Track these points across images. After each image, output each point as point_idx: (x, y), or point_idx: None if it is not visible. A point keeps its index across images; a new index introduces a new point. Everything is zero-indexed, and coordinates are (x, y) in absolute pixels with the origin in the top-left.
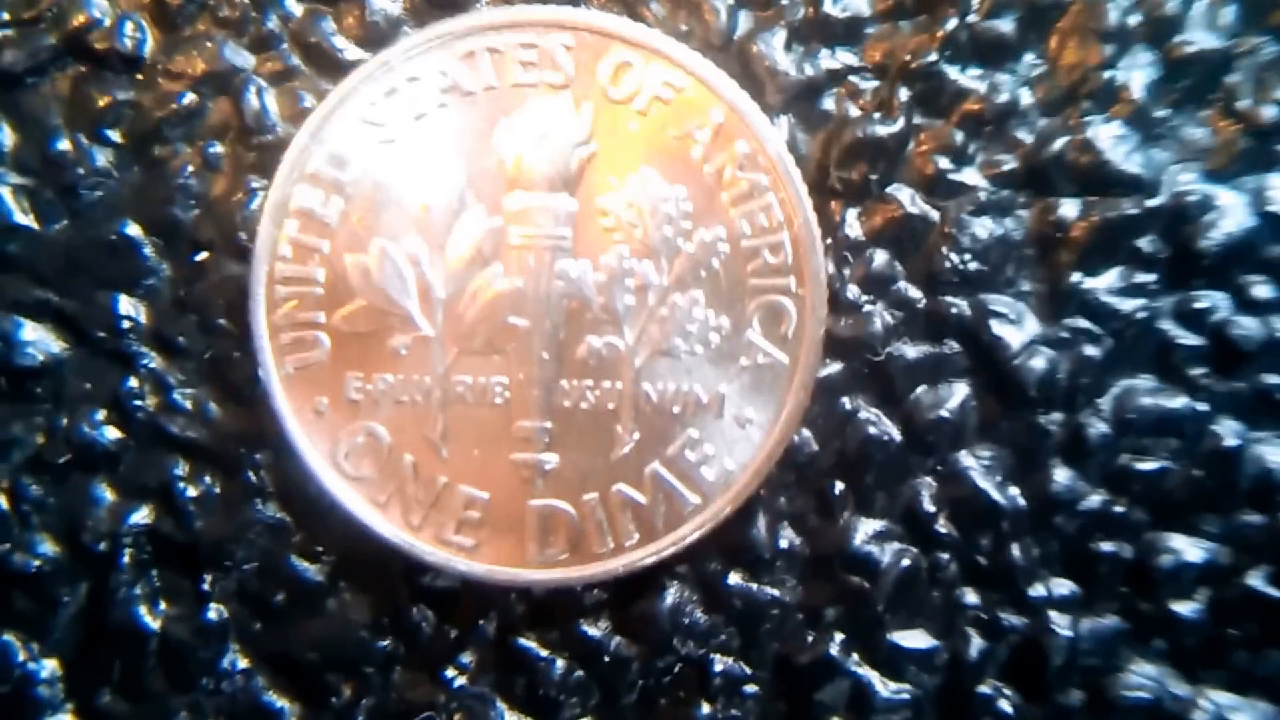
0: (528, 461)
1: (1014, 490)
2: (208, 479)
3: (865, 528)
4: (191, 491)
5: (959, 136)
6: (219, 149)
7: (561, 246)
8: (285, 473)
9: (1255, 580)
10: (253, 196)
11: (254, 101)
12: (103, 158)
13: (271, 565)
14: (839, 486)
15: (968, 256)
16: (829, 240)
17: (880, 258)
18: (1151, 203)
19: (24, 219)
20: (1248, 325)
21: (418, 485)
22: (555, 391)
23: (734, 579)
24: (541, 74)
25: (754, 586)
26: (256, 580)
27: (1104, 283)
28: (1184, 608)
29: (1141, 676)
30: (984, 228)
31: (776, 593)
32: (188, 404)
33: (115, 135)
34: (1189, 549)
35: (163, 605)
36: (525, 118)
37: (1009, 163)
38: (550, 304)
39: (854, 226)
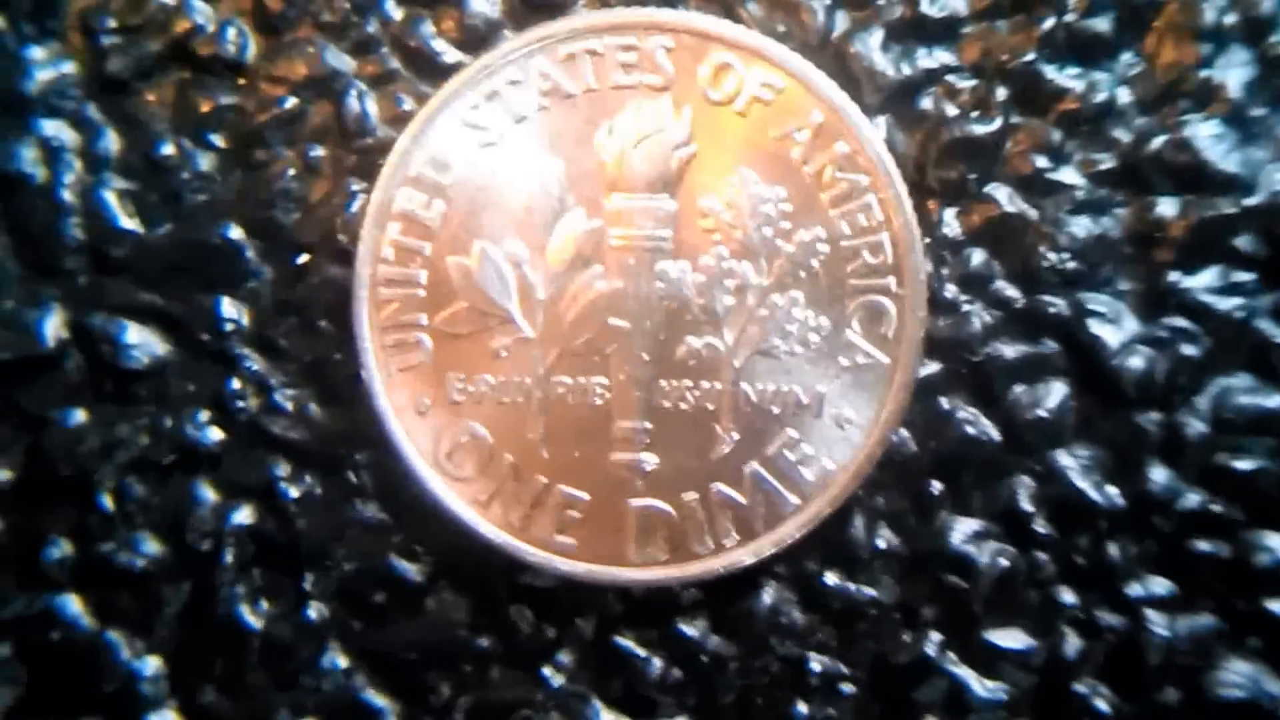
0: (628, 462)
1: (1111, 489)
2: (309, 479)
3: (963, 527)
4: (293, 492)
5: (1056, 135)
6: (320, 152)
7: (661, 248)
8: (386, 473)
9: None
10: (353, 199)
11: (354, 105)
12: (205, 162)
13: (371, 565)
14: (937, 486)
15: (1065, 255)
16: (927, 240)
17: (978, 257)
18: (1249, 201)
19: (129, 223)
20: None
21: (519, 485)
22: (655, 392)
23: (831, 579)
24: (641, 76)
25: (851, 586)
26: (357, 580)
27: (1201, 282)
28: None
29: (1237, 675)
30: (1081, 226)
31: (874, 592)
32: (289, 405)
33: (218, 139)
34: None
35: (264, 604)
36: (625, 120)
37: (1106, 161)
38: (650, 305)
39: (952, 226)
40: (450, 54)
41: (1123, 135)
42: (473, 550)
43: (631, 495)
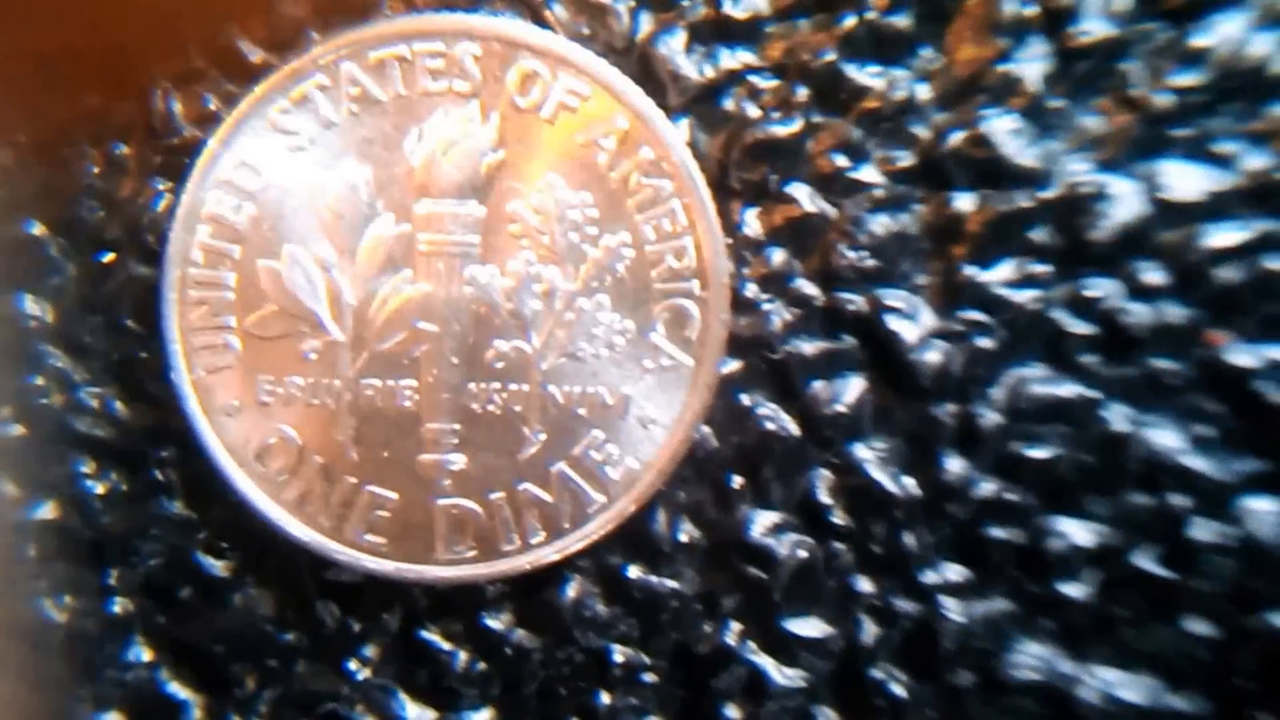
0: (436, 462)
1: (908, 480)
2: (113, 475)
3: (763, 519)
4: (97, 488)
5: (856, 133)
6: (124, 150)
7: (470, 253)
8: (193, 470)
9: (1142, 560)
10: (159, 198)
11: (160, 103)
12: (5, 155)
13: (177, 560)
14: (737, 480)
15: (864, 253)
16: (729, 240)
17: (779, 256)
18: (1045, 194)
19: None
20: (1138, 311)
21: (328, 486)
22: (463, 394)
23: (634, 571)
24: (450, 82)
25: (654, 578)
26: (161, 574)
27: (997, 275)
28: (1072, 589)
29: (1030, 656)
30: (880, 224)
31: (675, 584)
32: (93, 402)
33: (19, 134)
34: (1078, 532)
35: (66, 598)
36: (434, 126)
37: (905, 158)
38: (459, 309)
39: (754, 226)
40: (257, 53)
41: (922, 132)
42: (280, 547)
43: (439, 495)
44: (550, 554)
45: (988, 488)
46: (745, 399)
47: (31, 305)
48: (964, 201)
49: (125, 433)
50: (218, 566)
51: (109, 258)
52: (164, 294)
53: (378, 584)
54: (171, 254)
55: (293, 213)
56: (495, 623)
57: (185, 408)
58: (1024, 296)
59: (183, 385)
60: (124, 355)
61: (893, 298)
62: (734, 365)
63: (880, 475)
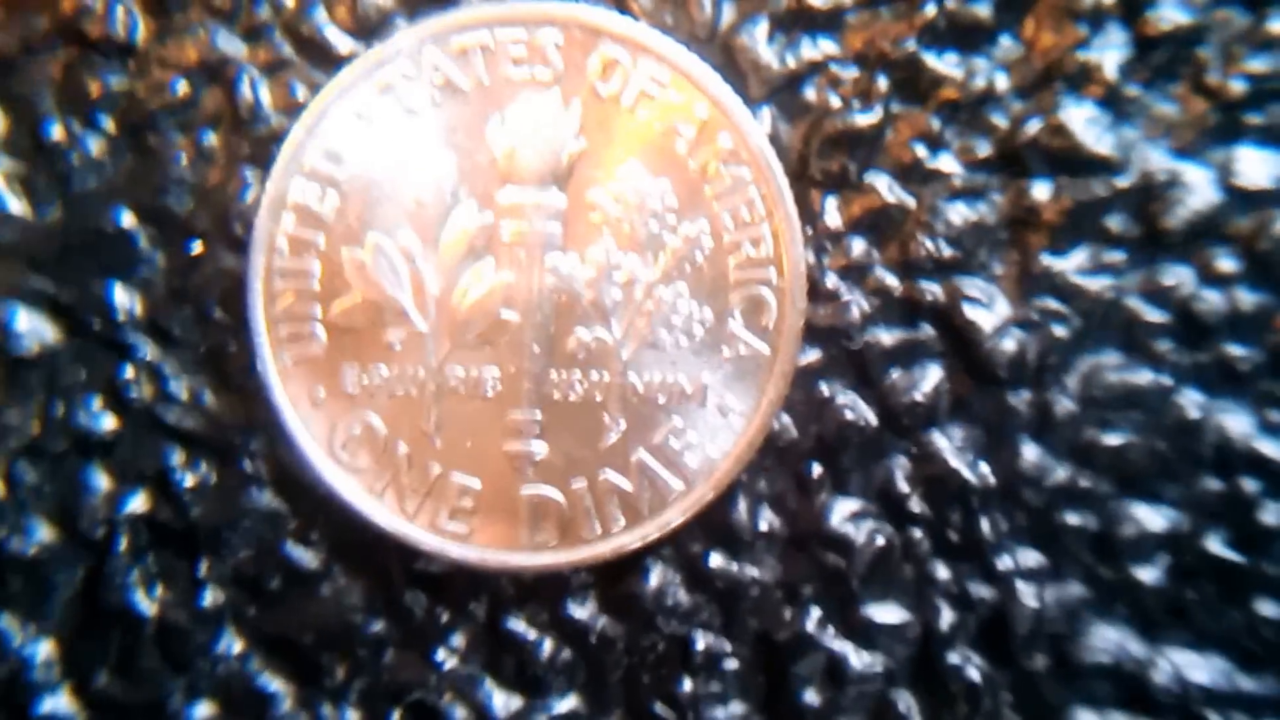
0: (519, 451)
1: (984, 467)
2: (203, 466)
3: (841, 508)
4: (187, 479)
5: (935, 123)
6: (212, 139)
7: (552, 241)
8: (281, 461)
9: (1213, 544)
10: (246, 188)
11: (247, 92)
12: (95, 145)
13: (266, 551)
14: (816, 469)
15: (942, 242)
16: (808, 230)
17: (858, 246)
18: (1121, 182)
19: (17, 206)
20: (1211, 298)
21: (412, 474)
22: (545, 383)
23: (715, 560)
24: (532, 69)
25: (734, 566)
26: (252, 565)
27: (1073, 263)
28: (1145, 573)
29: (1104, 640)
30: (958, 213)
31: (756, 572)
32: (183, 393)
33: (108, 122)
34: (1151, 517)
35: (159, 590)
36: (516, 114)
37: (983, 148)
38: (541, 298)
39: (833, 216)
40: (343, 42)
41: (1000, 121)
42: (367, 537)
43: (522, 483)
44: (632, 542)
45: (1062, 474)
46: (824, 388)
47: (121, 296)
48: (1041, 190)
49: (214, 424)
50: (307, 557)
51: (198, 248)
52: (250, 284)
53: (464, 573)
54: (257, 243)
55: (377, 201)
56: (580, 611)
57: (272, 398)
58: (1099, 284)
59: (269, 376)
60: (213, 346)
61: (970, 287)
62: (812, 354)
63: (957, 463)
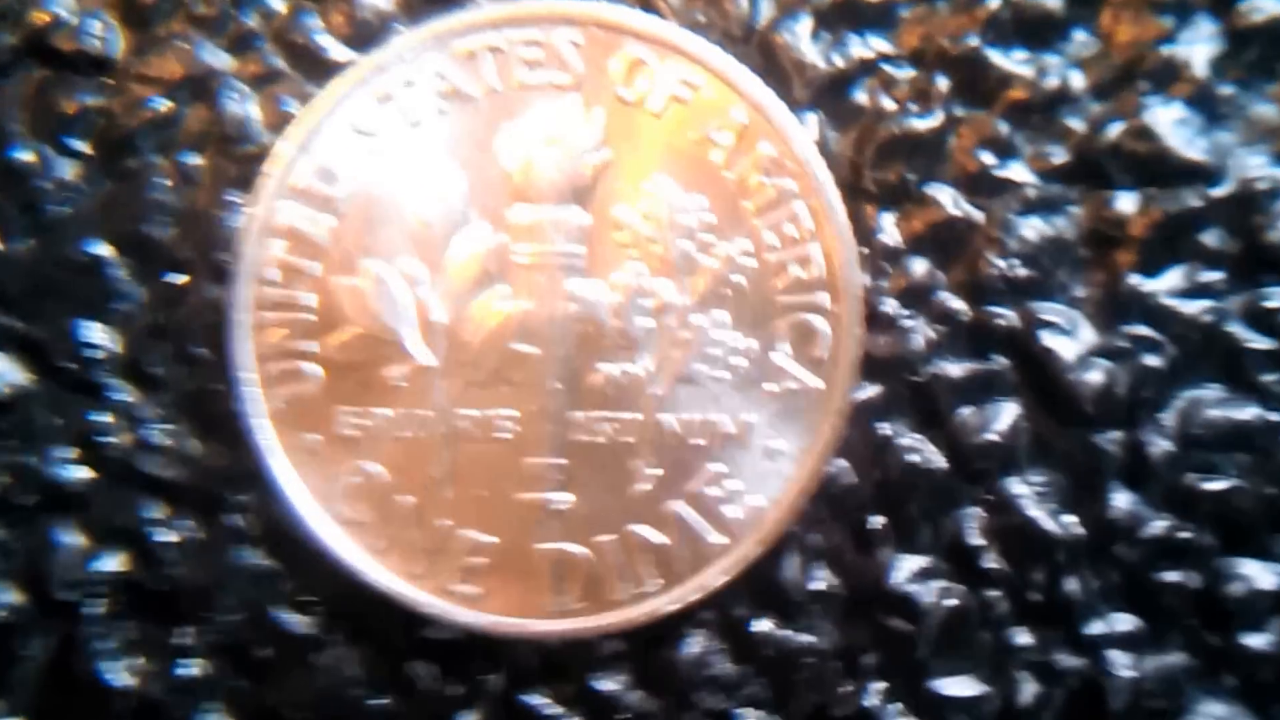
0: (538, 501)
1: (1069, 518)
2: (187, 522)
3: (906, 565)
4: (169, 536)
5: (1004, 128)
6: (197, 160)
7: (573, 265)
8: (273, 516)
9: None
10: (233, 213)
11: (234, 108)
12: (68, 169)
13: (257, 616)
14: (877, 520)
15: (1015, 261)
16: (864, 250)
17: (919, 267)
18: (1216, 191)
19: None
20: None
21: (419, 530)
22: (568, 424)
23: (763, 625)
24: (548, 74)
25: (785, 632)
26: (240, 632)
27: (1165, 284)
28: (1257, 640)
29: (1210, 716)
30: (1032, 228)
31: (810, 639)
32: (165, 440)
33: (82, 144)
34: (1262, 575)
35: (137, 660)
36: (531, 123)
37: (1059, 155)
38: (561, 328)
39: (890, 233)
40: (338, 51)
41: (1076, 124)
42: (369, 600)
43: (543, 538)
44: (667, 604)
45: (1159, 525)
46: (884, 428)
47: (97, 333)
48: (1126, 202)
49: (199, 474)
50: (301, 622)
51: (181, 279)
52: (236, 317)
53: (477, 641)
54: (244, 272)
55: (376, 223)
56: (609, 684)
57: (260, 445)
58: (1196, 308)
59: (257, 419)
60: (197, 388)
61: (1049, 311)
62: (870, 389)
63: (1038, 513)
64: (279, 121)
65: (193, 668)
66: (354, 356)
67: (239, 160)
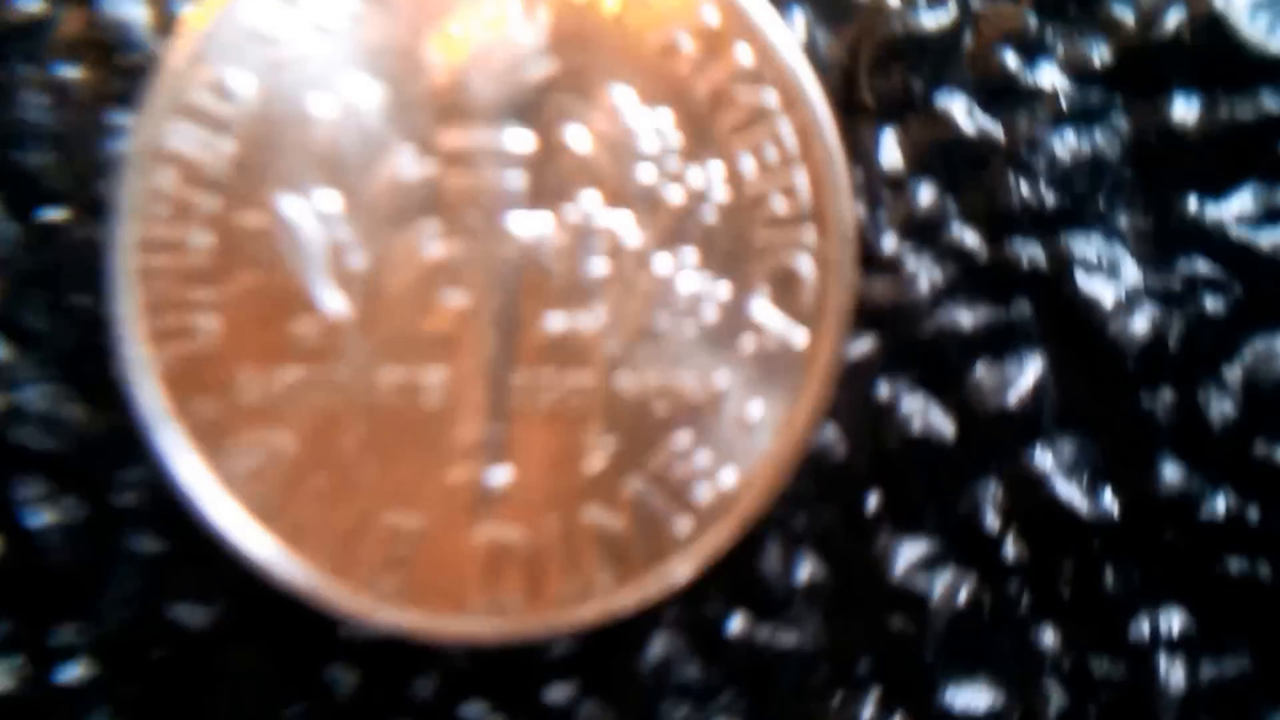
0: (471, 479)
1: (1107, 497)
2: (67, 501)
3: (909, 552)
4: (46, 517)
5: (1032, 21)
6: (72, 73)
7: (513, 197)
8: (165, 495)
9: None
10: (116, 136)
11: (114, 9)
12: None
13: (149, 611)
14: (874, 500)
15: (1043, 186)
16: (859, 174)
17: (927, 194)
18: None
19: None
20: None
21: (333, 512)
22: (506, 388)
23: (738, 624)
24: None
25: (764, 632)
26: (130, 629)
27: (1232, 210)
28: None
29: None
30: (1066, 145)
31: (794, 640)
32: (40, 406)
33: None
34: None
35: (12, 660)
36: (462, 28)
37: (1101, 54)
38: (499, 272)
39: (892, 153)
40: None
41: (1124, 14)
42: (277, 594)
43: (476, 522)
44: (625, 601)
45: (1220, 504)
46: (882, 390)
47: None
48: (1185, 108)
49: (81, 446)
50: (200, 618)
51: (56, 215)
52: (119, 260)
53: (403, 642)
54: (128, 207)
55: (281, 149)
56: (557, 693)
57: (149, 412)
58: (1270, 239)
59: (145, 382)
60: (77, 344)
61: (1084, 246)
62: (866, 344)
63: (1069, 490)
64: (167, 26)
65: (75, 669)
66: (256, 308)
67: (121, 72)
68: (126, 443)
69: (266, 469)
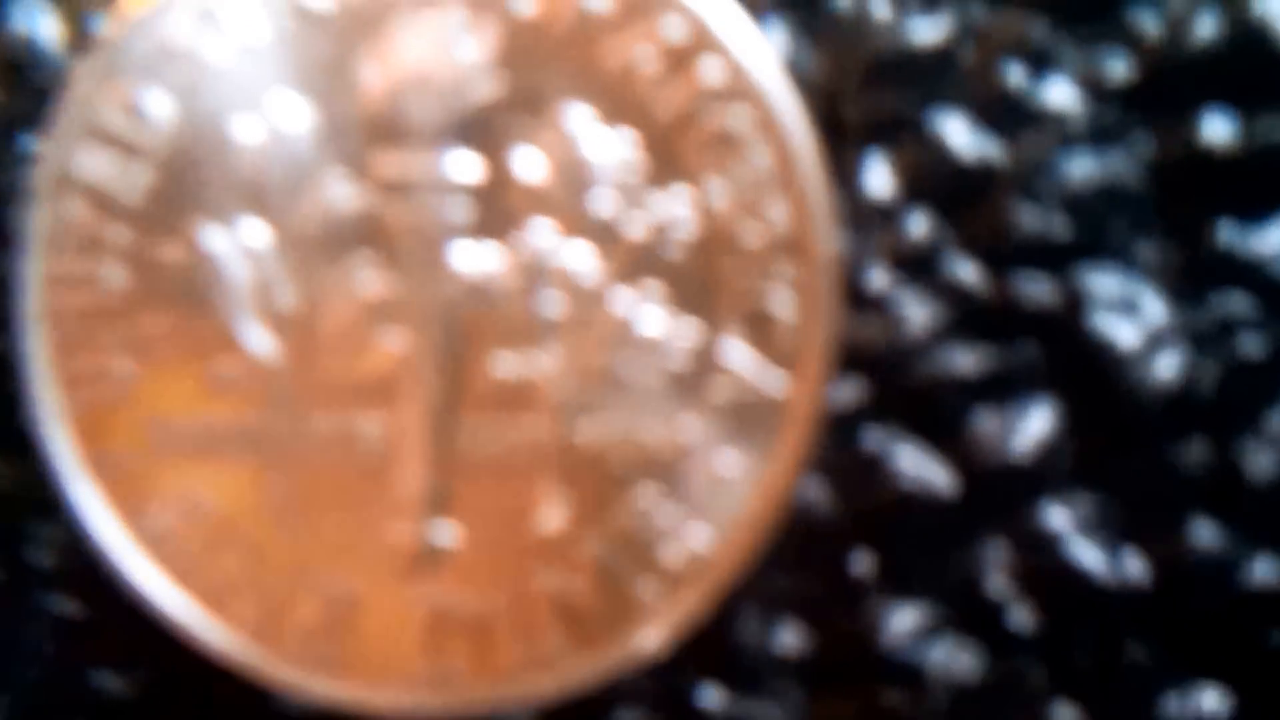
0: (412, 537)
1: (1131, 560)
2: None
3: (902, 618)
4: None
5: (1040, 31)
6: None
7: (457, 227)
8: (79, 551)
9: None
10: (22, 161)
11: (21, 24)
12: None
13: (64, 678)
14: (863, 561)
15: (1054, 214)
16: (845, 202)
17: (920, 223)
18: None
19: None
20: None
21: (259, 572)
22: (450, 437)
23: (711, 697)
24: None
25: (741, 707)
26: (43, 697)
27: (1272, 240)
28: None
29: None
30: (1080, 168)
31: (774, 716)
32: None
33: None
34: None
35: None
36: (400, 43)
37: (1121, 69)
38: (441, 311)
39: (881, 179)
40: None
41: (1149, 24)
42: (202, 662)
43: (418, 584)
44: (583, 672)
45: (1260, 569)
46: (871, 440)
47: None
48: (1217, 128)
49: None
50: (119, 685)
51: None
52: (21, 298)
53: (337, 716)
54: (35, 239)
55: (202, 177)
56: None
57: (56, 463)
58: None
59: (56, 430)
60: None
61: (1102, 282)
62: (851, 389)
63: (1087, 553)
64: (82, 43)
65: None
66: (176, 349)
67: (29, 93)
68: (39, 494)
69: (188, 524)
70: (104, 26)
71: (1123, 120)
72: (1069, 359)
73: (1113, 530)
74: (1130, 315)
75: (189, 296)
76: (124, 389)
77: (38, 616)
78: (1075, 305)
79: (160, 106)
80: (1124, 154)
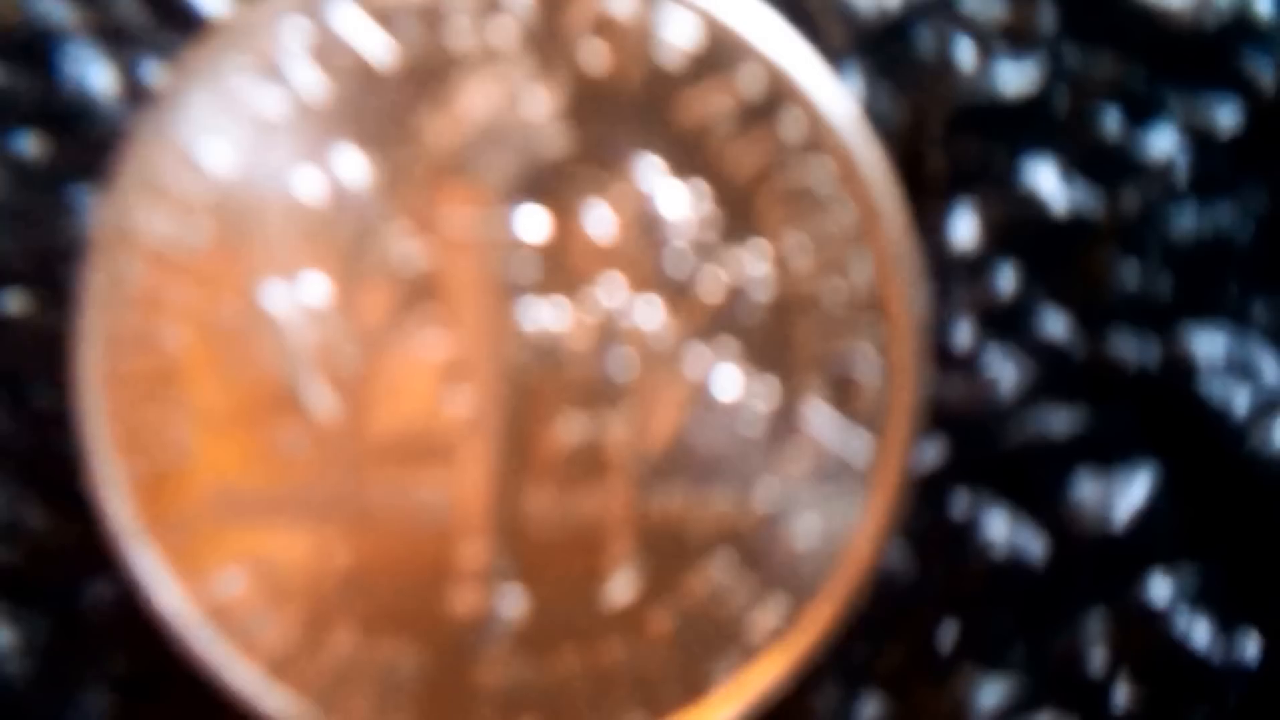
0: (478, 610)
1: (1243, 637)
2: (26, 621)
3: (992, 693)
4: (4, 635)
5: (1141, 78)
6: (27, 144)
7: (524, 285)
8: (135, 612)
9: None
10: (78, 216)
11: (74, 74)
12: None
13: None
14: (950, 632)
15: (1154, 267)
16: (930, 257)
17: (1009, 278)
18: None
19: None
20: None
21: (318, 644)
22: (515, 506)
23: None
24: (485, 33)
25: None
26: None
27: None
28: None
29: None
30: (1186, 222)
31: None
32: None
33: None
34: None
35: None
36: (464, 98)
37: (1229, 116)
38: (509, 372)
39: (967, 232)
40: (211, 2)
41: (1262, 68)
42: None
43: (484, 659)
44: None
45: None
46: (959, 505)
47: None
48: None
49: (42, 558)
50: None
51: (12, 303)
52: (80, 359)
53: None
54: (91, 298)
55: (260, 234)
56: None
57: (118, 527)
58: None
59: (114, 494)
60: (34, 446)
61: (1209, 343)
62: (938, 452)
63: (1193, 629)
64: (136, 95)
65: None
66: (236, 411)
67: (84, 145)
68: (94, 554)
69: (246, 593)
70: (162, 79)
71: (1233, 170)
72: (1172, 422)
73: (1223, 605)
74: (1242, 378)
75: (249, 356)
76: (183, 453)
77: (91, 677)
78: (1179, 366)
79: (220, 160)
80: (1234, 206)
